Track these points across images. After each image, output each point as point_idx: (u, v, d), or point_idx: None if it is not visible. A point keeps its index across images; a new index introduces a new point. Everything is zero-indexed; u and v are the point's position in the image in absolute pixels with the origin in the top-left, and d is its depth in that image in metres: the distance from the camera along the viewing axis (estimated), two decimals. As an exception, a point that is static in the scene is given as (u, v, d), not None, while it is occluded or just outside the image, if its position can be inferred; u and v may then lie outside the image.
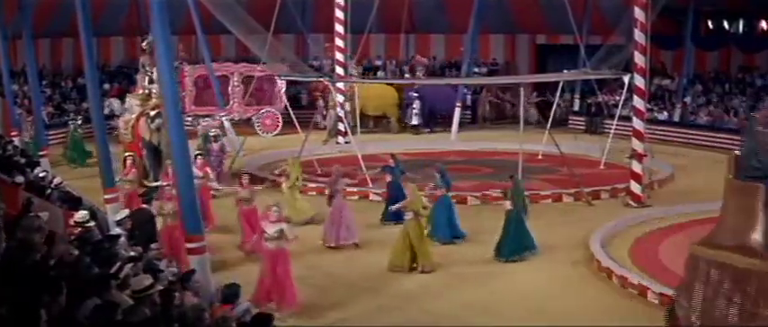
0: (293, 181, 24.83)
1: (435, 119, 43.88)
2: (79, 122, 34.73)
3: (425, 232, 20.78)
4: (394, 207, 22.05)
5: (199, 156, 25.64)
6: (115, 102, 39.88)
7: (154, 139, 27.60)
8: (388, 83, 43.62)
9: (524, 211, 21.25)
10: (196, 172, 22.15)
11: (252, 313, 11.91)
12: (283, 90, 41.38)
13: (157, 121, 27.30)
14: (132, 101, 29.42)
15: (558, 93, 38.52)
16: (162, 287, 10.57)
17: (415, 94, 42.42)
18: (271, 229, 17.27)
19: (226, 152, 30.92)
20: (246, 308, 12.17)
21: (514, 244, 20.66)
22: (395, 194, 23.98)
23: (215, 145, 30.15)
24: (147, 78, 28.69)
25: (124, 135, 28.87)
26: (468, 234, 22.75)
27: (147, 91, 28.59)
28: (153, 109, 27.66)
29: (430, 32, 49.55)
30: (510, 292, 18.64)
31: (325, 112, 40.45)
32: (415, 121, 42.68)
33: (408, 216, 20.22)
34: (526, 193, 22.63)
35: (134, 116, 28.50)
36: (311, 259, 20.68)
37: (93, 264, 11.54)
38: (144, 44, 28.26)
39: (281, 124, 40.60)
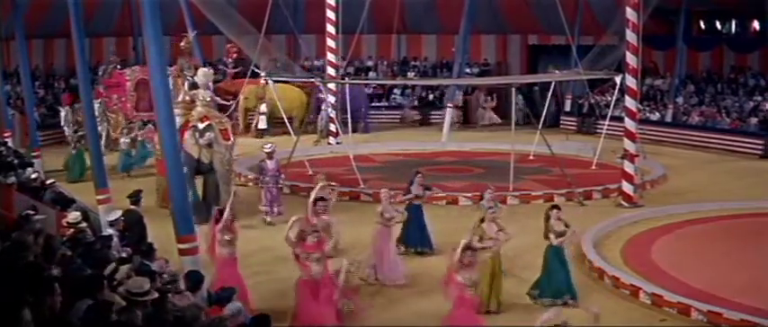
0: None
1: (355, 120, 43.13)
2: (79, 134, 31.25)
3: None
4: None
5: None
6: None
7: (203, 156, 24.12)
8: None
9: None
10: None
11: (244, 314, 11.89)
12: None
13: (208, 135, 23.98)
14: None
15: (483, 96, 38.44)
16: (158, 294, 10.53)
17: (324, 96, 41.36)
18: None
19: (281, 171, 25.15)
20: (239, 308, 12.14)
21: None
22: (416, 217, 21.18)
23: (270, 163, 24.45)
24: (187, 83, 25.63)
25: (158, 151, 24.40)
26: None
27: (188, 98, 25.30)
28: (200, 120, 24.25)
29: (421, 33, 49.58)
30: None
31: (237, 114, 39.96)
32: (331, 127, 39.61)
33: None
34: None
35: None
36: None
37: (85, 265, 11.57)
38: (182, 43, 26.17)
39: None
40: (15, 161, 22.91)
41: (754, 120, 38.00)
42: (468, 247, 14.40)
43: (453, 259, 14.29)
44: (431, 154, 36.14)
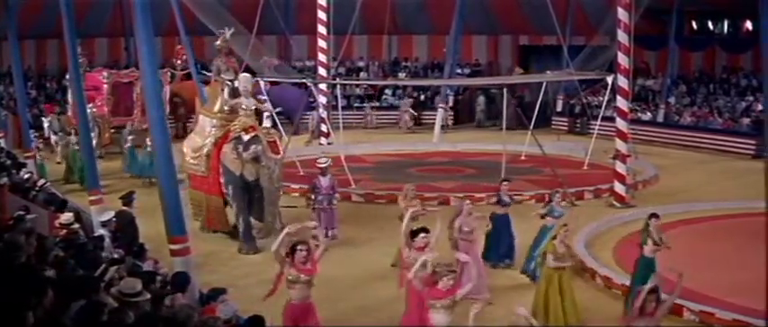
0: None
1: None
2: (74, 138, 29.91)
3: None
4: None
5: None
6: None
7: (248, 173, 21.39)
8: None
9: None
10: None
11: (239, 316, 11.88)
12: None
13: (254, 148, 21.12)
14: (204, 121, 23.00)
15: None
16: (150, 296, 10.52)
17: (264, 98, 40.74)
18: None
19: (336, 189, 22.57)
20: (233, 310, 12.13)
21: None
22: (501, 230, 20.15)
23: (324, 181, 22.08)
24: (225, 89, 22.36)
25: (193, 165, 22.45)
26: None
27: (227, 107, 22.34)
28: (244, 130, 21.51)
29: (412, 33, 49.61)
30: (492, 292, 18.57)
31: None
32: (266, 124, 39.16)
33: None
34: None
35: (210, 141, 22.17)
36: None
37: (77, 266, 11.56)
38: (218, 42, 22.96)
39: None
40: (8, 162, 22.89)
41: (746, 121, 38.07)
42: (652, 290, 12.64)
43: (636, 305, 12.52)
44: (422, 154, 36.18)
